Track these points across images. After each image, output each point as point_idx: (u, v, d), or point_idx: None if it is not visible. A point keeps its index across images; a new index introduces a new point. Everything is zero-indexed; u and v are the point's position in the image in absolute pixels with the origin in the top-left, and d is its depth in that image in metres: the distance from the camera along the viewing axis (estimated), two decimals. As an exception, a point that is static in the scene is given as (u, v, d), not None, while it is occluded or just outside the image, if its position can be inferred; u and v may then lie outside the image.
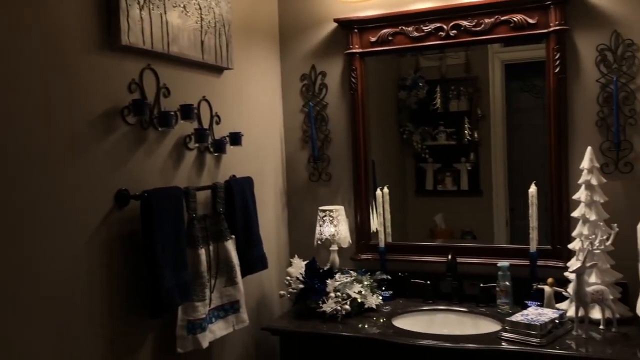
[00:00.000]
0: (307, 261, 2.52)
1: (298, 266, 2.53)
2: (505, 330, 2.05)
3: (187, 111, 2.03)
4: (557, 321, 2.06)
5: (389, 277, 2.56)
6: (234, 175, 2.37)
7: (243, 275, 2.25)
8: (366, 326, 2.26)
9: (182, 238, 1.93)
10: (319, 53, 2.81)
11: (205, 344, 2.01)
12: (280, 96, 2.88)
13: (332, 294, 2.38)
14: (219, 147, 2.25)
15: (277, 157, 2.84)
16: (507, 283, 2.33)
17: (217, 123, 2.28)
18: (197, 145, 2.17)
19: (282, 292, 2.51)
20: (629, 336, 2.01)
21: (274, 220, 2.77)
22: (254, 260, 2.33)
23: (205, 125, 2.21)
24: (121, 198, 1.80)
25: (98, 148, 1.73)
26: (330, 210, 2.57)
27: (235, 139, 2.30)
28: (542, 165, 2.44)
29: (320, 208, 2.61)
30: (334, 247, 2.60)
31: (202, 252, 2.04)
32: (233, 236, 2.20)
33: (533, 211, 2.34)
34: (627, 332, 2.04)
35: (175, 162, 2.07)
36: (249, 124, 2.53)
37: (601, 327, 2.07)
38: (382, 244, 2.63)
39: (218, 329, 2.14)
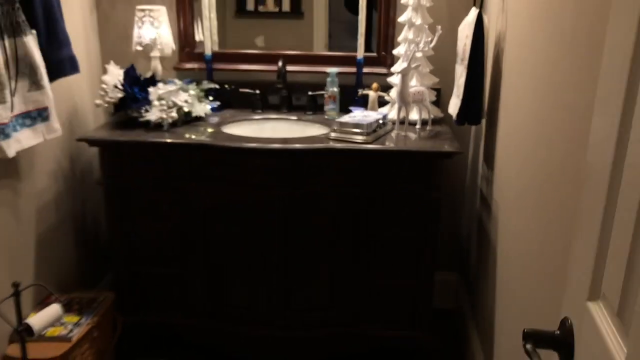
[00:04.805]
0: (126, 68, 2.27)
1: (115, 74, 2.27)
2: (334, 131, 2.12)
3: None
4: (380, 121, 2.17)
5: (217, 87, 2.44)
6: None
7: (51, 79, 1.96)
8: (193, 136, 2.16)
9: (-33, 24, 1.57)
10: None
11: (11, 153, 1.77)
12: None
13: (157, 103, 2.21)
14: None
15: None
16: (335, 89, 2.37)
17: None
18: None
19: (98, 101, 2.26)
20: (441, 132, 2.21)
21: (80, 24, 2.39)
22: (62, 61, 2.02)
23: None
24: None
25: None
26: (151, 10, 2.29)
27: None
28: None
29: (139, 7, 2.31)
30: (156, 54, 2.37)
31: (-4, 45, 1.70)
32: (34, 31, 1.86)
33: (362, 17, 2.33)
34: (439, 130, 2.24)
35: None
36: None
37: (418, 126, 2.24)
38: (208, 51, 2.45)
39: (25, 138, 1.88)
